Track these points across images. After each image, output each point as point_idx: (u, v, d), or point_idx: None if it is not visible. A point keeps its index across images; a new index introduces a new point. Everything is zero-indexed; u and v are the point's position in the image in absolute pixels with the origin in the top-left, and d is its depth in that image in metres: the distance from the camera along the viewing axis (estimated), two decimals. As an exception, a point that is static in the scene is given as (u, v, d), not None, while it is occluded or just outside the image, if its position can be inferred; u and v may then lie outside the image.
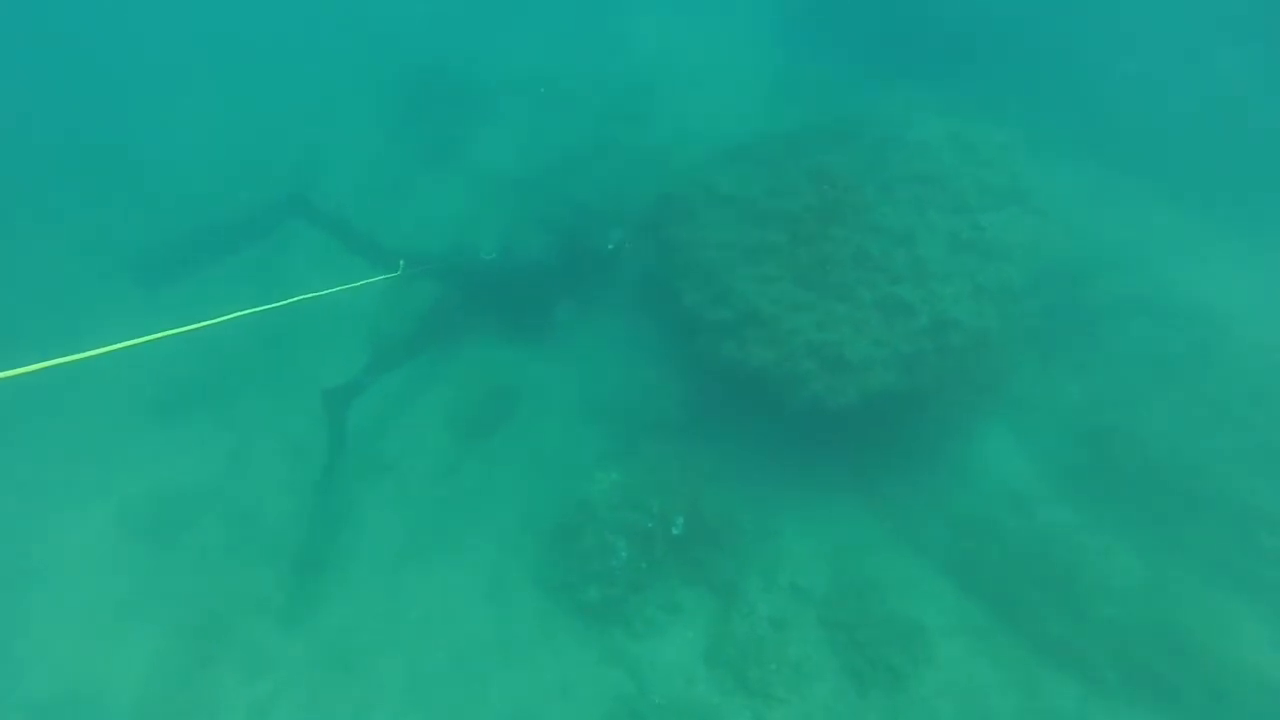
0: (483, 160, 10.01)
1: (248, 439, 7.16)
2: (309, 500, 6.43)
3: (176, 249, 8.40)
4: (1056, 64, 7.45)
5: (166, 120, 11.56)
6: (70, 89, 12.78)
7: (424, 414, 7.28)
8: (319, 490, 6.38)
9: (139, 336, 2.91)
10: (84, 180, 10.38)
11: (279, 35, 13.56)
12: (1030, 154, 6.38)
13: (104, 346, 2.76)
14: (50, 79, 13.42)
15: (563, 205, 8.89)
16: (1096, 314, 6.22)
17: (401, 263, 6.71)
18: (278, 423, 7.23)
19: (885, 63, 8.82)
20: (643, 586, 5.74)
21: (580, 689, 5.33)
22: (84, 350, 2.66)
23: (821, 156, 6.96)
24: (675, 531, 5.77)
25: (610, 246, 7.27)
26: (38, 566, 6.31)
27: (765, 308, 5.87)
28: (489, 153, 10.12)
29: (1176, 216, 6.67)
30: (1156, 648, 4.76)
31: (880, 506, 5.91)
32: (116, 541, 6.47)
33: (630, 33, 11.85)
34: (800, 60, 10.33)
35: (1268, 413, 5.37)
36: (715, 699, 5.15)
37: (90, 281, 8.70)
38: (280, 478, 6.83)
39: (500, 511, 6.47)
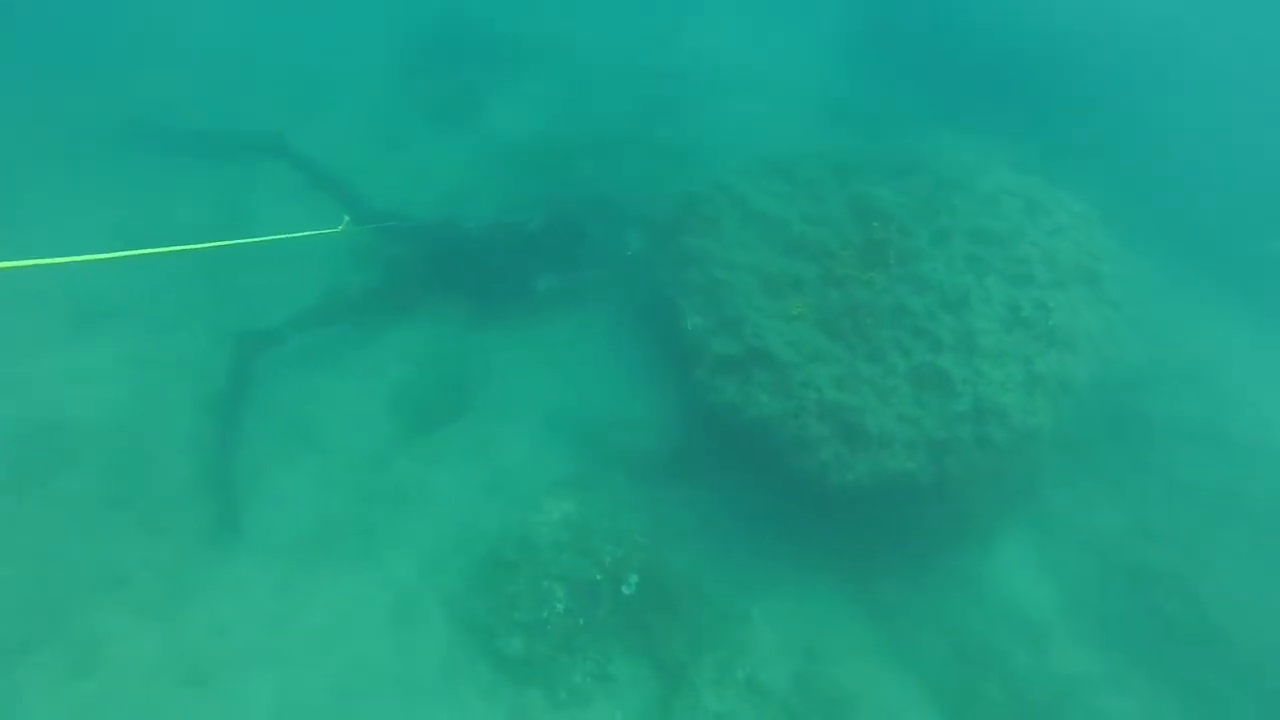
0: (493, 127, 9.02)
1: (159, 379, 6.13)
2: (209, 463, 5.45)
3: (148, 141, 7.76)
4: (1153, 138, 6.66)
5: (161, 17, 10.44)
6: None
7: (367, 390, 6.29)
8: (218, 452, 5.43)
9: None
10: (68, 56, 9.26)
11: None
12: (1107, 232, 5.55)
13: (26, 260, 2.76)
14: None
15: (572, 189, 7.99)
16: (1154, 431, 5.39)
17: (346, 218, 5.97)
18: (198, 366, 6.16)
19: (952, 100, 8.00)
20: (575, 648, 4.80)
21: (476, 757, 4.40)
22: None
23: (870, 188, 6.10)
24: (626, 591, 4.84)
25: (629, 252, 6.39)
26: None
27: (780, 350, 4.98)
28: (501, 121, 9.13)
29: (1262, 340, 5.86)
30: None
31: (871, 606, 5.03)
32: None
33: (678, 22, 10.92)
34: (857, 81, 9.48)
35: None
36: (634, 805, 4.24)
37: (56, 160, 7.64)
38: (184, 432, 5.80)
39: (428, 523, 5.52)
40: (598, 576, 4.81)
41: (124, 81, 8.72)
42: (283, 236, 5.04)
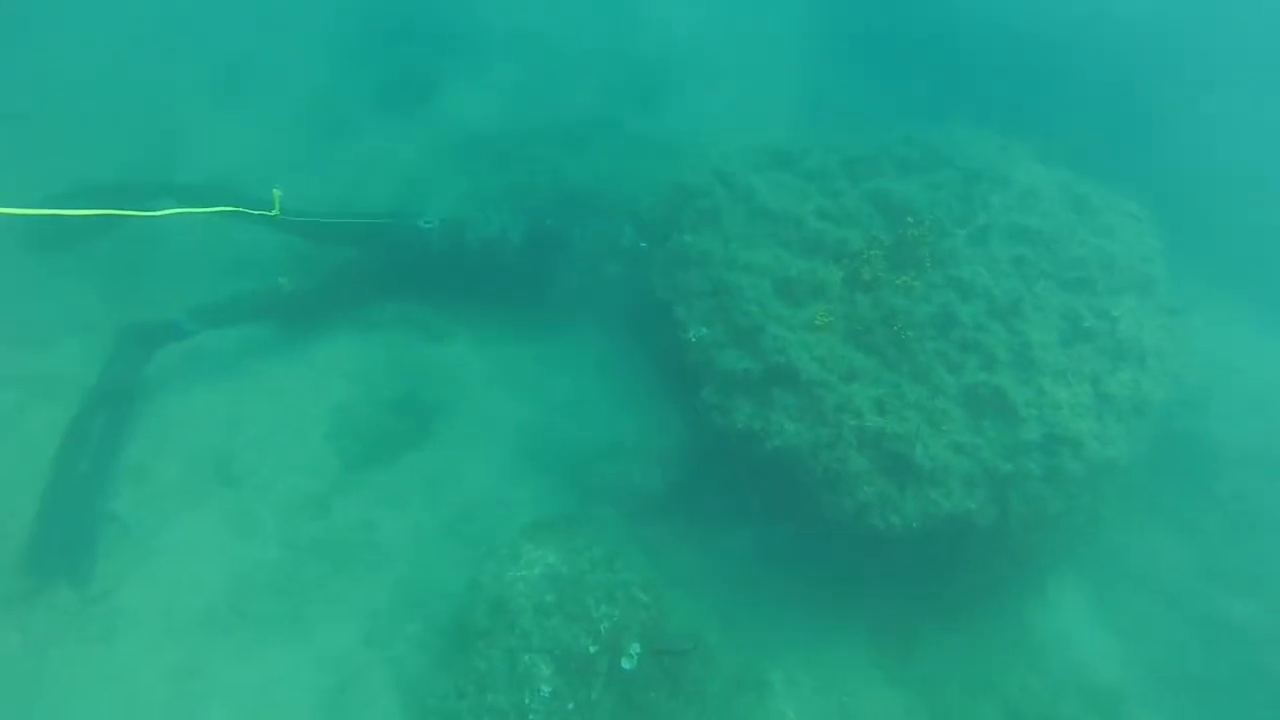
0: (450, 114, 8.04)
1: (24, 402, 4.91)
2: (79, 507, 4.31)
3: None
4: (1190, 134, 6.14)
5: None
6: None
7: (300, 412, 5.22)
8: (87, 484, 4.36)
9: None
10: None
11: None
12: (1156, 233, 4.96)
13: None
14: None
15: (541, 182, 7.11)
16: (1224, 462, 4.79)
17: (277, 192, 4.90)
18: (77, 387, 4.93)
19: (952, 90, 7.37)
20: (563, 739, 3.86)
21: None
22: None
23: (890, 182, 5.39)
24: (627, 665, 3.92)
25: (643, 245, 5.53)
26: None
27: (806, 366, 4.17)
28: (458, 107, 8.14)
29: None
30: None
31: (912, 670, 4.24)
32: None
33: (646, 3, 10.10)
34: (839, 70, 8.82)
35: None
36: None
37: None
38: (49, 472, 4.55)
39: (376, 579, 4.50)
40: (592, 648, 3.88)
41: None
42: (205, 210, 4.45)
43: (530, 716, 3.80)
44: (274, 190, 4.86)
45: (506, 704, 3.83)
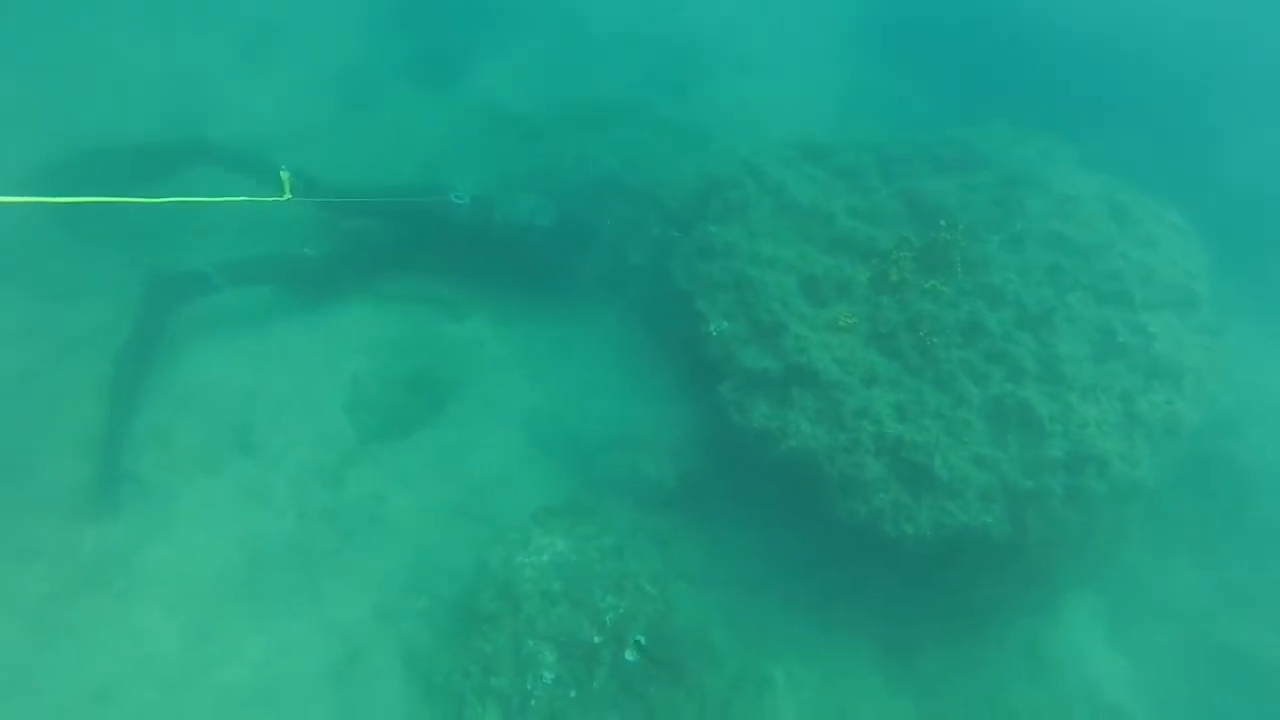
0: (480, 89, 7.96)
1: (52, 356, 4.98)
2: (102, 465, 4.40)
3: None
4: (1241, 148, 5.91)
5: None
6: None
7: (319, 384, 5.25)
8: (110, 447, 4.44)
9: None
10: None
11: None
12: (1203, 247, 4.80)
13: None
14: None
15: (569, 165, 7.03)
16: (1254, 488, 4.66)
17: (285, 173, 4.56)
18: (101, 344, 4.98)
19: (994, 90, 7.16)
20: (563, 725, 3.89)
21: None
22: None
23: (924, 182, 5.26)
24: (630, 657, 3.93)
25: (675, 233, 5.43)
26: None
27: (827, 368, 4.11)
28: (489, 84, 8.06)
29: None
30: None
31: (915, 678, 4.21)
32: None
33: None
34: (880, 65, 8.60)
35: None
36: None
37: None
38: (77, 427, 4.64)
39: (387, 553, 4.54)
40: (596, 639, 3.89)
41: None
42: (209, 200, 4.05)
43: (532, 701, 3.83)
44: (281, 172, 4.54)
45: (509, 687, 3.87)
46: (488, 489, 4.88)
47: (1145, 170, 5.57)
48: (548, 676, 3.83)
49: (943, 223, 4.51)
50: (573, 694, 3.87)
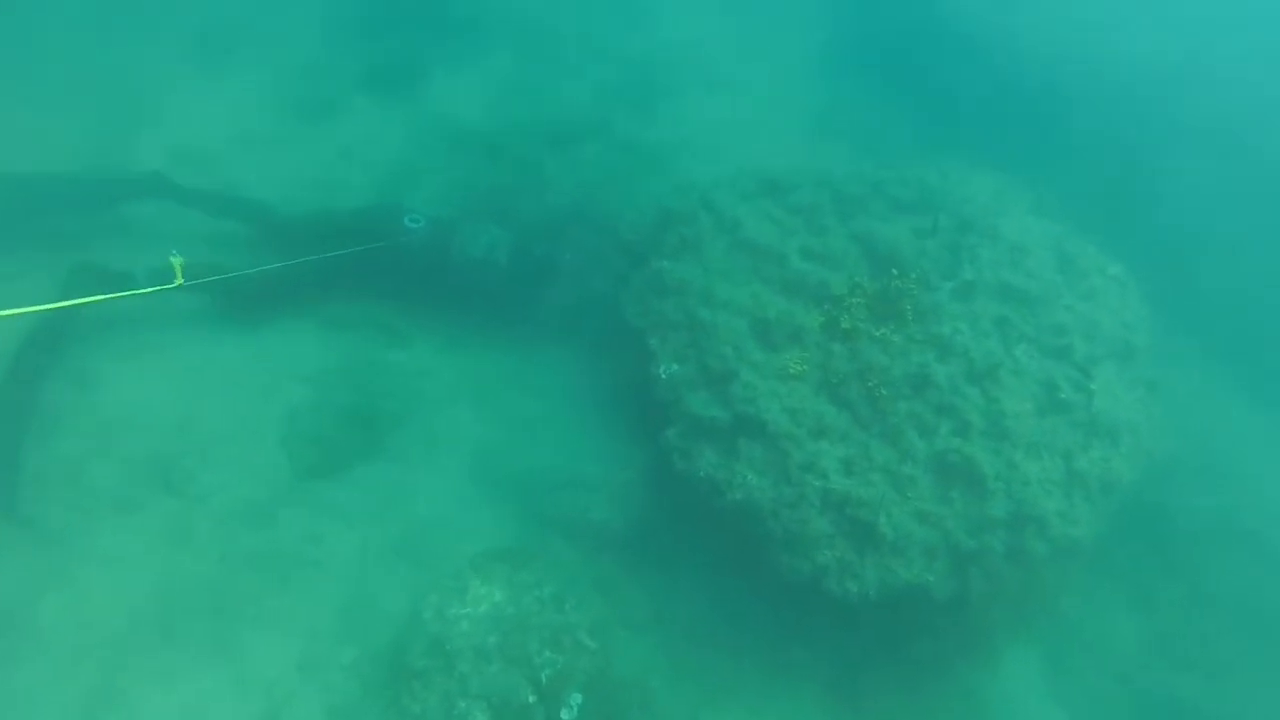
0: (439, 102, 7.74)
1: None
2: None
3: None
4: (1182, 195, 6.04)
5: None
6: None
7: (254, 418, 5.00)
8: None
9: None
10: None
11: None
12: (1142, 299, 4.88)
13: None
14: None
15: (529, 187, 6.90)
16: (1183, 535, 4.75)
17: (176, 259, 3.96)
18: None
19: (956, 125, 7.27)
20: (495, 787, 3.75)
21: None
22: None
23: (879, 223, 5.25)
24: (566, 717, 3.80)
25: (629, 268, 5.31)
26: None
27: (776, 418, 4.05)
28: (448, 96, 7.84)
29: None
30: None
31: (859, 731, 4.17)
32: None
33: (649, 5, 9.80)
34: (846, 92, 8.62)
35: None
36: None
37: None
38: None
39: (318, 599, 4.33)
40: (531, 698, 3.76)
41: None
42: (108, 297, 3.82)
43: (461, 763, 3.68)
44: (171, 258, 3.93)
45: (438, 748, 3.71)
46: (428, 529, 4.70)
47: (1093, 214, 5.68)
48: (479, 739, 3.68)
49: (894, 271, 4.49)
50: (505, 756, 3.73)
